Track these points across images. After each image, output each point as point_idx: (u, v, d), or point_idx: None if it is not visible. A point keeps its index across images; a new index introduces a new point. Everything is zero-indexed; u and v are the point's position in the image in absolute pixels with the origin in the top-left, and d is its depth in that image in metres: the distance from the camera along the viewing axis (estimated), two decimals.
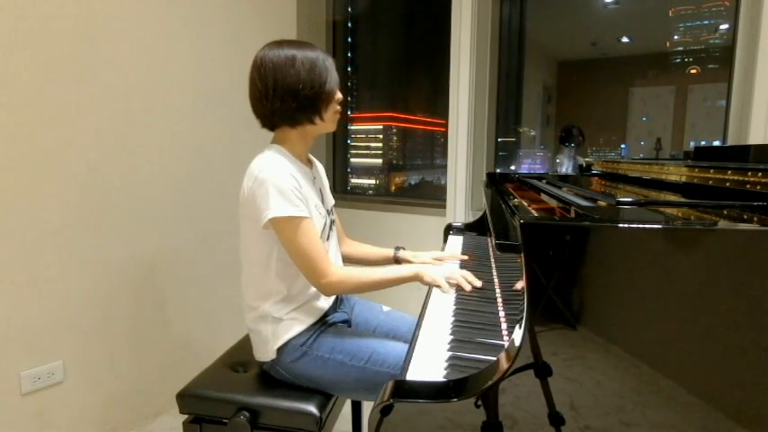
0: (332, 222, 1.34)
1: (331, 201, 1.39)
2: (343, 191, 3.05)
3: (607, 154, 2.89)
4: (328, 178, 1.46)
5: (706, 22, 2.38)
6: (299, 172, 1.19)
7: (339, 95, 1.25)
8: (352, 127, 3.03)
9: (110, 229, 1.80)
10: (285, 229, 1.11)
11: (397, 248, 1.49)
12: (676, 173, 1.09)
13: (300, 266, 1.14)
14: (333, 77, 1.22)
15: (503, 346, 0.88)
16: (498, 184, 1.86)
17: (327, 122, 1.25)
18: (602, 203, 0.97)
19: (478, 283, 1.19)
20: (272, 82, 1.16)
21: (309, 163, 1.33)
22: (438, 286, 1.18)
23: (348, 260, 1.50)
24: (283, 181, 1.11)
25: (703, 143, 2.44)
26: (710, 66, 2.45)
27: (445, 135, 2.44)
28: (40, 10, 1.57)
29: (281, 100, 1.17)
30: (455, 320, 1.03)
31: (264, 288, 1.20)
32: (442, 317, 1.05)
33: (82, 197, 1.71)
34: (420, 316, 1.09)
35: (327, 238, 1.27)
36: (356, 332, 1.29)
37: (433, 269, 1.21)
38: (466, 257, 1.48)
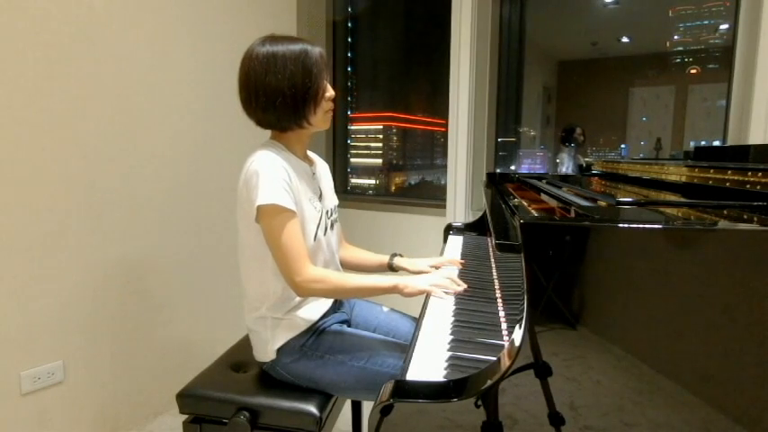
0: (333, 222, 1.32)
1: (332, 201, 1.36)
2: (343, 191, 3.05)
3: (607, 154, 2.89)
4: None
5: (706, 22, 2.38)
6: (293, 166, 1.18)
7: (329, 93, 1.20)
8: (352, 127, 3.03)
9: (110, 228, 1.80)
10: (268, 218, 1.10)
11: (393, 255, 1.45)
12: (676, 173, 1.09)
13: (277, 260, 1.12)
14: (319, 77, 1.16)
15: (503, 346, 0.88)
16: (498, 184, 1.86)
17: (318, 123, 1.21)
18: (601, 203, 0.97)
19: (462, 288, 1.16)
20: (254, 90, 1.14)
21: (309, 160, 1.32)
22: (425, 292, 1.15)
23: (344, 266, 1.46)
24: (273, 171, 1.10)
25: (703, 143, 2.44)
26: (710, 66, 2.45)
27: (445, 135, 2.44)
28: (40, 9, 1.57)
29: (263, 110, 1.16)
30: (455, 320, 1.03)
31: (262, 288, 1.20)
32: (442, 317, 1.05)
33: (82, 197, 1.71)
34: (420, 316, 1.09)
35: (324, 234, 1.26)
36: (356, 332, 1.29)
37: (414, 280, 1.15)
38: (462, 262, 1.44)
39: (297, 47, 1.15)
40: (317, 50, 1.17)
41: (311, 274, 1.10)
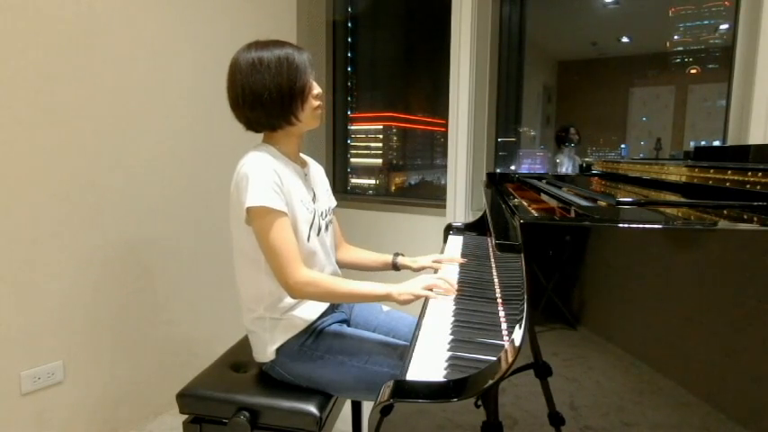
0: (327, 223, 1.32)
1: (328, 203, 1.36)
2: (343, 191, 3.05)
3: (607, 154, 2.90)
4: (328, 178, 1.45)
5: (706, 22, 2.38)
6: (285, 168, 1.18)
7: (316, 91, 1.21)
8: (352, 127, 3.03)
9: (110, 229, 1.80)
10: (259, 220, 1.10)
11: (396, 254, 1.46)
12: (676, 173, 1.09)
13: (270, 263, 1.12)
14: (304, 75, 1.17)
15: (503, 346, 0.88)
16: (498, 184, 1.86)
17: (307, 120, 1.22)
18: (601, 203, 0.97)
19: (454, 291, 1.16)
20: (240, 90, 1.15)
21: (301, 161, 1.32)
22: (420, 297, 1.15)
23: (345, 266, 1.47)
24: (263, 173, 1.11)
25: (703, 143, 2.45)
26: (710, 66, 2.46)
27: (445, 135, 2.44)
28: (40, 9, 1.57)
29: (250, 108, 1.16)
30: (455, 320, 1.03)
31: (258, 289, 1.20)
32: (442, 317, 1.05)
33: (82, 197, 1.71)
34: (420, 316, 1.09)
35: (318, 235, 1.26)
36: (356, 332, 1.29)
37: (407, 286, 1.14)
38: (464, 260, 1.47)
39: (282, 51, 1.16)
40: (303, 53, 1.19)
41: (303, 276, 1.10)
